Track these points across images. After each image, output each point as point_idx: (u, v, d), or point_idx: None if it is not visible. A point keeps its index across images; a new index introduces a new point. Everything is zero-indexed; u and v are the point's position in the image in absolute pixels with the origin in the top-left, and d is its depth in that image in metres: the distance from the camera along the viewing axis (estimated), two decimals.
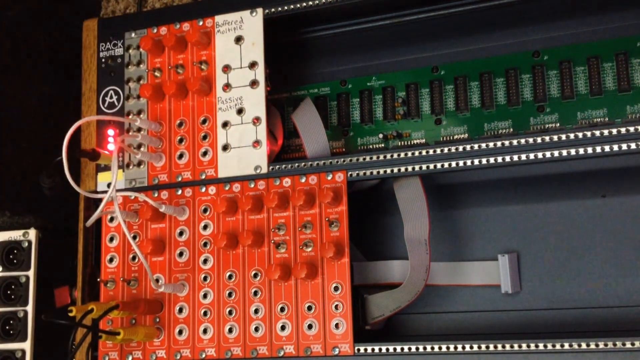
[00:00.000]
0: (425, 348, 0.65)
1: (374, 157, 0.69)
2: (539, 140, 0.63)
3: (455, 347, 0.64)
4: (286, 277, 0.69)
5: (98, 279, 0.75)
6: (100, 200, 0.76)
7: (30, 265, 0.77)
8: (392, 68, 0.79)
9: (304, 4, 0.73)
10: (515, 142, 0.64)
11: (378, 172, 0.68)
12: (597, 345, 0.60)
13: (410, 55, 0.79)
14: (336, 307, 0.67)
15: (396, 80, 0.77)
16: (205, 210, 0.73)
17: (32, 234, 0.78)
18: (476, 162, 0.65)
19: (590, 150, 0.62)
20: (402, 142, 0.76)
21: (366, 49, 0.80)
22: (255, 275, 0.70)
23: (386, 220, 0.78)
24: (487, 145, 0.65)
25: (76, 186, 0.70)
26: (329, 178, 0.70)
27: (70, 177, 0.68)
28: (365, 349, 0.66)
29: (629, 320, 0.69)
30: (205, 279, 0.72)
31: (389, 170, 0.68)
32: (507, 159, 0.64)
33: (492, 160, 0.65)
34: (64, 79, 0.85)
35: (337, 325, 0.67)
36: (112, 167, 0.70)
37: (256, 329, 0.69)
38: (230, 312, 0.70)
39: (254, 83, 0.73)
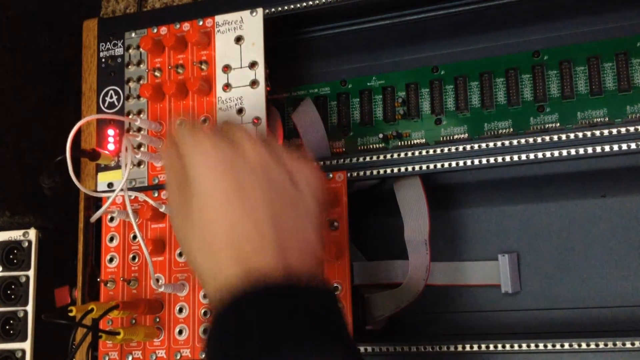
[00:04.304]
0: (425, 348, 0.64)
1: (374, 157, 0.69)
2: (539, 140, 0.63)
3: (456, 347, 0.64)
4: None
5: (98, 279, 0.75)
6: (101, 199, 0.76)
7: (30, 265, 0.77)
8: (392, 68, 0.78)
9: (304, 4, 0.73)
10: (515, 142, 0.64)
11: (378, 172, 0.68)
12: (597, 345, 0.60)
13: (410, 55, 0.78)
14: None
15: (396, 80, 0.77)
16: None
17: (32, 234, 0.78)
18: (476, 162, 0.65)
19: (590, 150, 0.62)
20: (402, 142, 0.76)
21: (366, 49, 0.80)
22: None
23: (386, 220, 0.78)
24: (487, 145, 0.65)
25: (81, 186, 0.70)
26: (329, 178, 0.70)
27: (74, 177, 0.68)
28: (365, 349, 0.66)
29: (629, 320, 0.69)
30: None
31: (389, 170, 0.68)
32: (507, 159, 0.64)
33: (492, 160, 0.65)
34: (64, 79, 0.85)
35: None
36: (123, 161, 0.71)
37: None
38: None
39: (254, 83, 0.73)
